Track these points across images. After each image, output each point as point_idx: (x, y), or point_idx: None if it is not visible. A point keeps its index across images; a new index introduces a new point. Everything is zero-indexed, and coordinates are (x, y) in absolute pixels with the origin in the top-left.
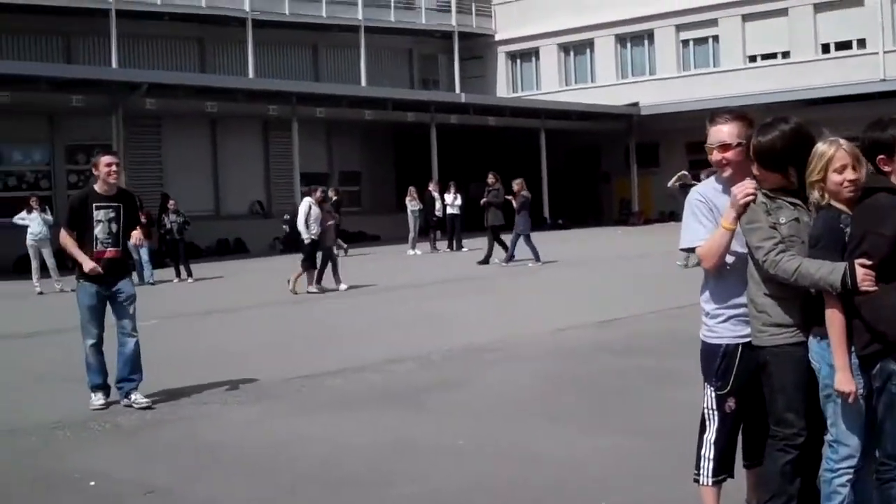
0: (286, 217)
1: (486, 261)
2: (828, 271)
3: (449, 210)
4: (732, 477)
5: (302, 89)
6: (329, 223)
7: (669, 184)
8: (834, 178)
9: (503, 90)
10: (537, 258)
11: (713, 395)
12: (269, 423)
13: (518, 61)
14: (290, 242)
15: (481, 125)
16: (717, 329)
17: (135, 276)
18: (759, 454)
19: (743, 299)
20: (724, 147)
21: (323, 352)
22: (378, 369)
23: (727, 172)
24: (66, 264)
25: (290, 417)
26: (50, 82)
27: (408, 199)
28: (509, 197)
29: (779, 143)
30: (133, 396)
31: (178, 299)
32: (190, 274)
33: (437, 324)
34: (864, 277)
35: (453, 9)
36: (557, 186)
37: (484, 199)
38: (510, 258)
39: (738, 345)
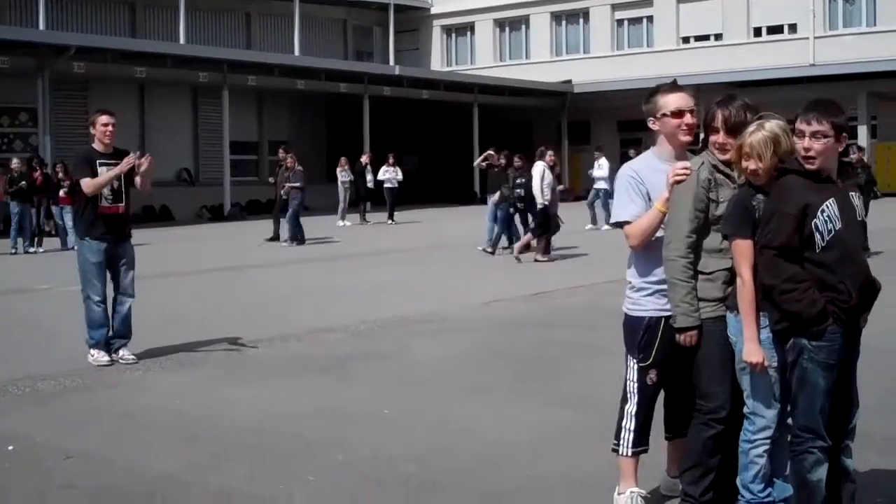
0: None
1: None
2: (679, 311)
3: (387, 184)
4: (648, 449)
5: (233, 56)
6: (558, 188)
7: (475, 163)
8: (742, 163)
9: (437, 64)
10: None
11: (636, 367)
12: (194, 391)
13: (453, 35)
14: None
15: (415, 98)
16: (641, 301)
17: (57, 241)
18: (680, 426)
19: None
20: (692, 112)
21: (249, 320)
22: (305, 338)
23: (688, 138)
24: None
25: (214, 385)
26: None
27: (339, 169)
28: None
29: (744, 114)
30: (122, 352)
31: None
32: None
33: (365, 295)
34: (685, 341)
35: None
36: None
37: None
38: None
39: (660, 318)
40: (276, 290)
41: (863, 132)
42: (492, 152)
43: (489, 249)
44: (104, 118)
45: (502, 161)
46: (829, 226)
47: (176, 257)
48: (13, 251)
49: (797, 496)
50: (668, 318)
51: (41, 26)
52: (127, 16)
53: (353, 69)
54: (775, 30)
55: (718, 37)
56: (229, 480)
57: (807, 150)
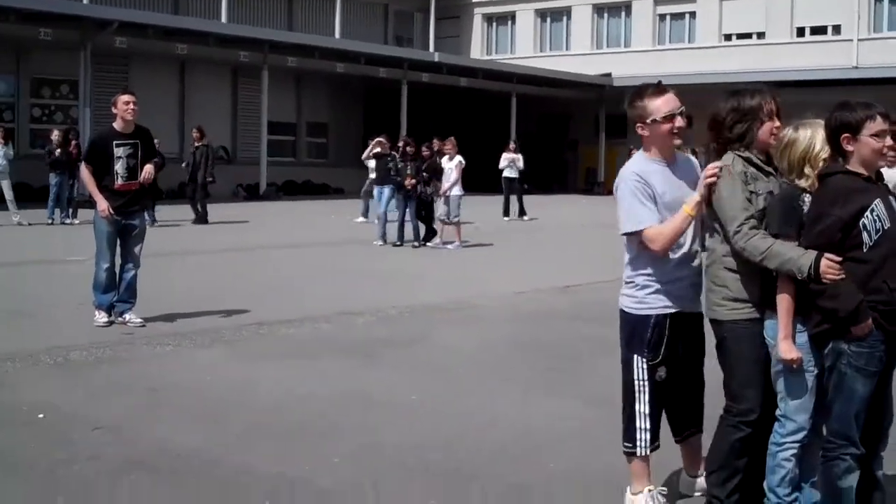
0: (185, 164)
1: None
2: (797, 255)
3: (506, 173)
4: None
5: (274, 37)
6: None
7: (364, 156)
8: (806, 170)
9: (477, 52)
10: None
11: (645, 365)
12: (222, 369)
13: (494, 24)
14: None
15: (453, 85)
16: (647, 300)
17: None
18: (688, 425)
19: (673, 272)
20: (682, 114)
21: (280, 301)
22: (334, 321)
23: (679, 141)
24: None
25: (243, 363)
26: (18, 13)
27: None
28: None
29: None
30: (127, 316)
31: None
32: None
33: (397, 281)
34: (827, 270)
35: None
36: (526, 152)
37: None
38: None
39: (666, 315)
40: (305, 272)
41: None
42: (382, 139)
43: (398, 242)
44: (125, 97)
45: (409, 149)
46: (878, 224)
47: (210, 234)
48: (50, 221)
49: (825, 503)
50: (674, 314)
51: (85, 0)
52: None
53: (393, 54)
54: (819, 30)
55: (761, 35)
56: (254, 459)
57: (889, 149)
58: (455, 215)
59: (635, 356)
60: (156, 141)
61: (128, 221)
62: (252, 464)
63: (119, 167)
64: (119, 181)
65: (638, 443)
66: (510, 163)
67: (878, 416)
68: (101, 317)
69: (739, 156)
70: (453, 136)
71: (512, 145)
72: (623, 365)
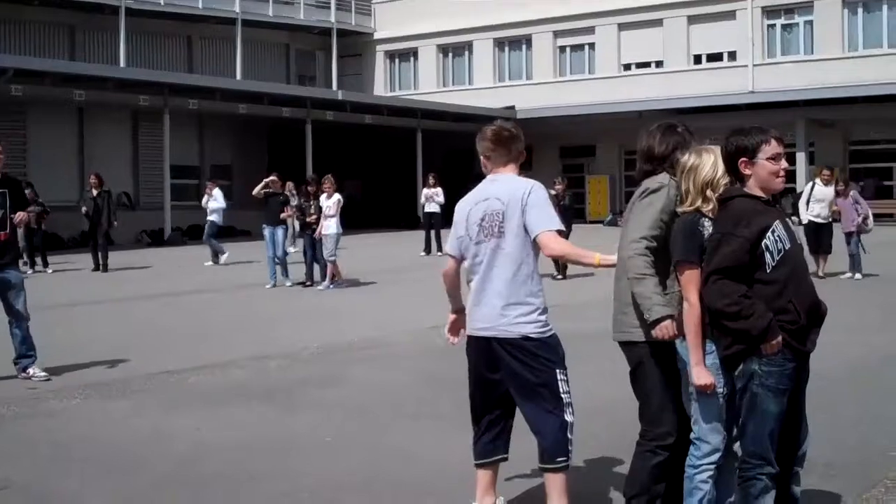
0: (84, 210)
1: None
2: (655, 302)
3: (427, 208)
4: None
5: (175, 80)
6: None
7: (255, 191)
8: (708, 194)
9: (381, 89)
10: None
11: (567, 377)
12: (133, 420)
13: (397, 61)
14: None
15: (358, 123)
16: (550, 320)
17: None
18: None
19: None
20: None
21: (191, 347)
22: (246, 365)
23: None
24: None
25: (155, 414)
26: None
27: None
28: None
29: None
30: (31, 371)
31: (38, 290)
32: (46, 264)
33: (308, 321)
34: (660, 331)
35: (332, 6)
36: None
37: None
38: None
39: None
40: (217, 316)
41: (801, 158)
42: (274, 178)
43: (307, 283)
44: None
45: (310, 188)
46: (780, 245)
47: (113, 282)
48: None
49: None
50: None
51: None
52: (66, 38)
53: (296, 93)
54: (715, 57)
55: (659, 64)
56: None
57: (782, 172)
58: (331, 254)
59: (560, 371)
60: (27, 192)
61: (4, 274)
62: None
63: None
64: None
65: (570, 454)
66: (430, 198)
67: (794, 435)
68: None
69: (674, 179)
70: (331, 174)
71: (431, 180)
72: (557, 384)
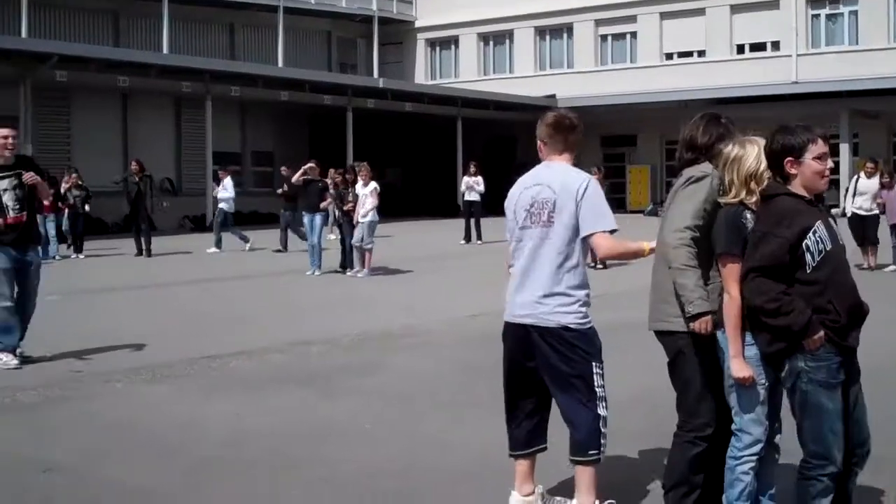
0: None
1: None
2: (696, 296)
3: (467, 196)
4: None
5: (217, 67)
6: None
7: (294, 178)
8: (752, 186)
9: (421, 77)
10: None
11: (602, 371)
12: (174, 404)
13: (437, 49)
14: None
15: (398, 111)
16: (590, 312)
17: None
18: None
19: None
20: None
21: (231, 333)
22: (286, 351)
23: None
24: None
25: (195, 398)
26: None
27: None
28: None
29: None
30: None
31: (80, 275)
32: (80, 250)
33: (347, 309)
34: (699, 326)
35: None
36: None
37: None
38: None
39: None
40: (256, 303)
41: (844, 150)
42: (312, 164)
43: (346, 271)
44: (3, 131)
45: (337, 177)
46: (821, 246)
47: (156, 267)
48: None
49: None
50: None
51: (23, 34)
52: (110, 24)
53: (337, 81)
54: (758, 47)
55: (701, 53)
56: (210, 497)
57: (827, 172)
58: (369, 242)
59: (596, 365)
60: (73, 176)
61: (24, 257)
62: (206, 501)
63: (7, 199)
64: (11, 214)
65: (602, 447)
66: (470, 186)
67: (853, 433)
68: (10, 360)
69: (717, 173)
70: (367, 162)
71: (472, 168)
72: (592, 377)
